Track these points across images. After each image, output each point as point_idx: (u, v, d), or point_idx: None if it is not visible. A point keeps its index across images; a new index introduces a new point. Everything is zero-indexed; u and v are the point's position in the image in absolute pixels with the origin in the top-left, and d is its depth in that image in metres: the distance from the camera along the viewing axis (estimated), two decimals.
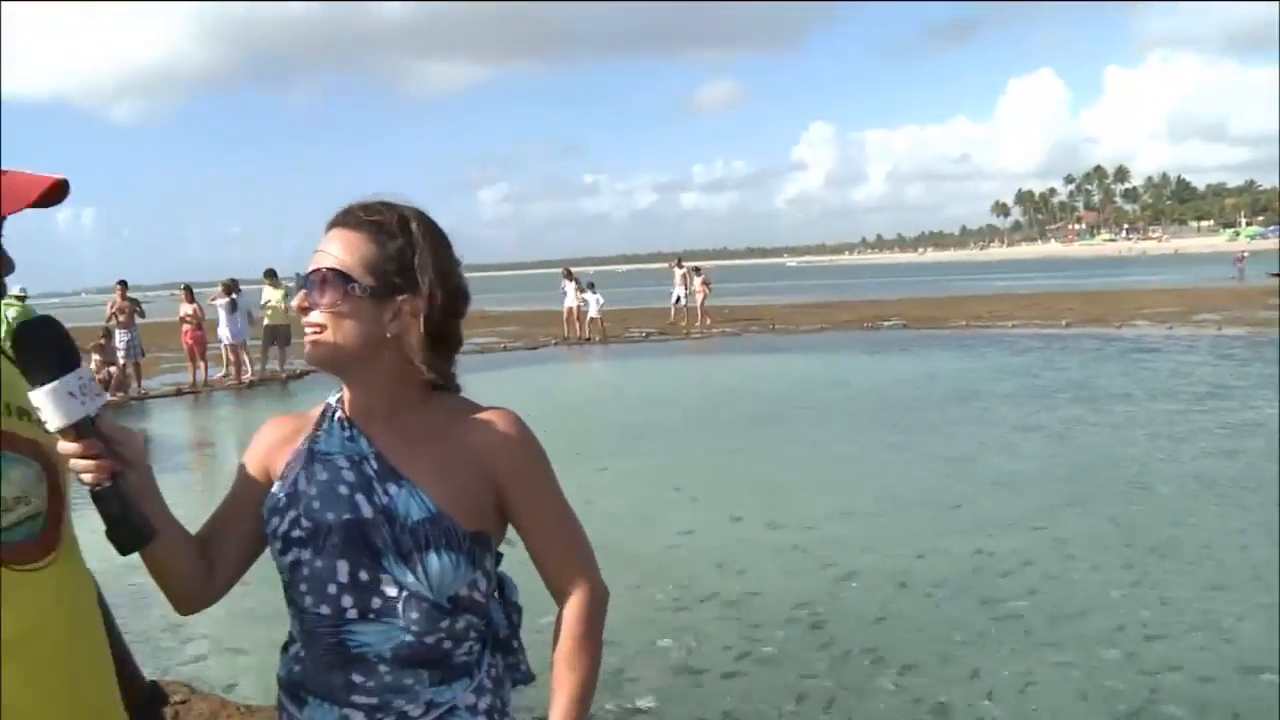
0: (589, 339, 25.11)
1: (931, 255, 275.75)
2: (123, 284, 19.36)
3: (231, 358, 19.45)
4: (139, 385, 18.32)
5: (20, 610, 1.36)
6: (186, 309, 19.23)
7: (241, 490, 1.77)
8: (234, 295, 19.50)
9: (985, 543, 6.80)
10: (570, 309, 26.06)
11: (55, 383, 1.43)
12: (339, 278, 1.62)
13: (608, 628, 1.75)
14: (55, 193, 1.38)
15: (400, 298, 1.63)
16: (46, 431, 1.49)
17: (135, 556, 1.56)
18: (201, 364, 19.16)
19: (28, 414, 1.47)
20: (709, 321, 27.28)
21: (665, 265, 31.68)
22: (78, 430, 1.46)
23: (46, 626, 1.39)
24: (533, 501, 1.70)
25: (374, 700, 1.62)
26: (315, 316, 1.63)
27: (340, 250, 1.63)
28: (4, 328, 15.31)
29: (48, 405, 1.43)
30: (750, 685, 4.78)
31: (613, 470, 9.62)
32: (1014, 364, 16.96)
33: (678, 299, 28.47)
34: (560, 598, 1.72)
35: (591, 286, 26.10)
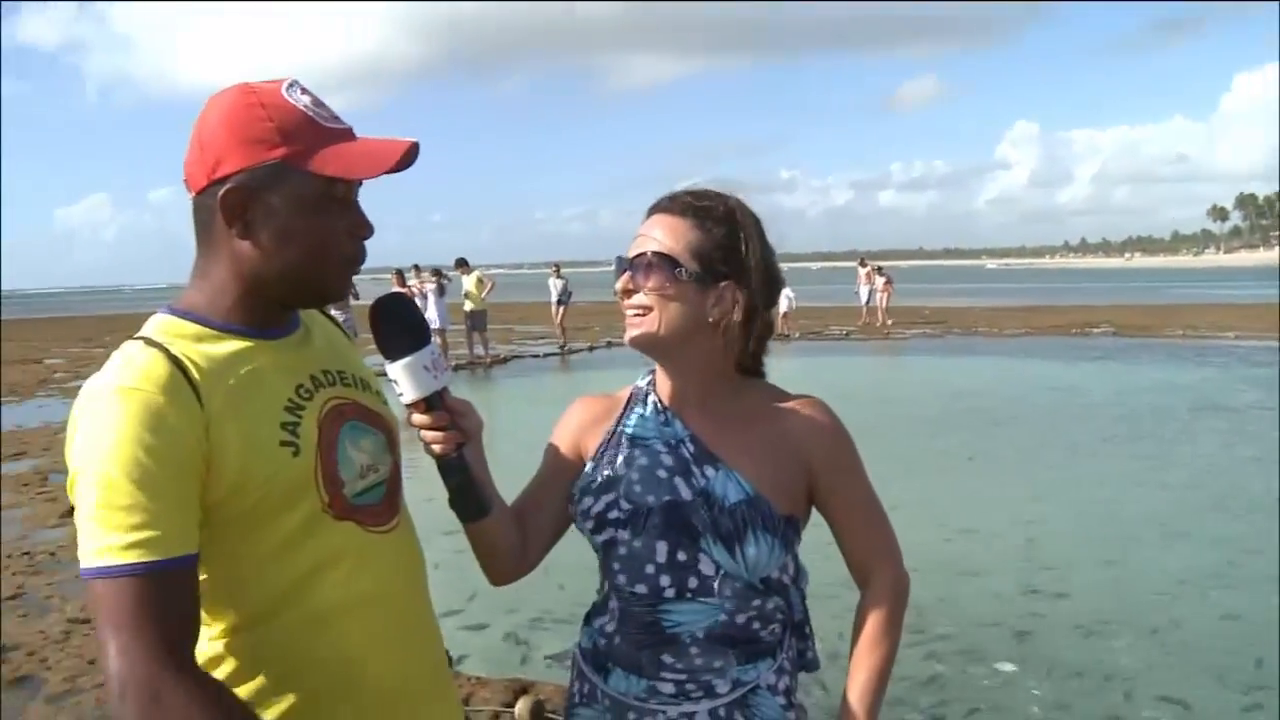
0: (786, 335, 24.77)
1: (1139, 260, 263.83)
2: None
3: (439, 341, 19.94)
4: None
5: (377, 568, 1.46)
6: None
7: (552, 468, 1.82)
8: (442, 281, 20.02)
9: (1236, 556, 6.34)
10: None
11: (411, 357, 1.50)
12: (666, 262, 1.65)
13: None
14: (408, 156, 1.42)
15: (723, 284, 1.67)
16: (383, 403, 1.57)
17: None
18: None
19: (368, 385, 1.56)
20: (890, 321, 26.68)
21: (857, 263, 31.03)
22: (429, 403, 1.52)
23: (395, 585, 1.50)
24: (845, 489, 1.74)
25: (682, 677, 1.67)
26: (639, 299, 1.67)
27: (666, 235, 1.67)
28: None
29: (404, 378, 1.50)
30: (962, 697, 4.56)
31: None
32: (1254, 376, 15.69)
33: (865, 298, 27.90)
34: (864, 583, 1.77)
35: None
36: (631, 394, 1.83)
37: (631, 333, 1.69)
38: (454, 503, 1.59)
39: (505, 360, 20.05)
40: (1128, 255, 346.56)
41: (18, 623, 5.63)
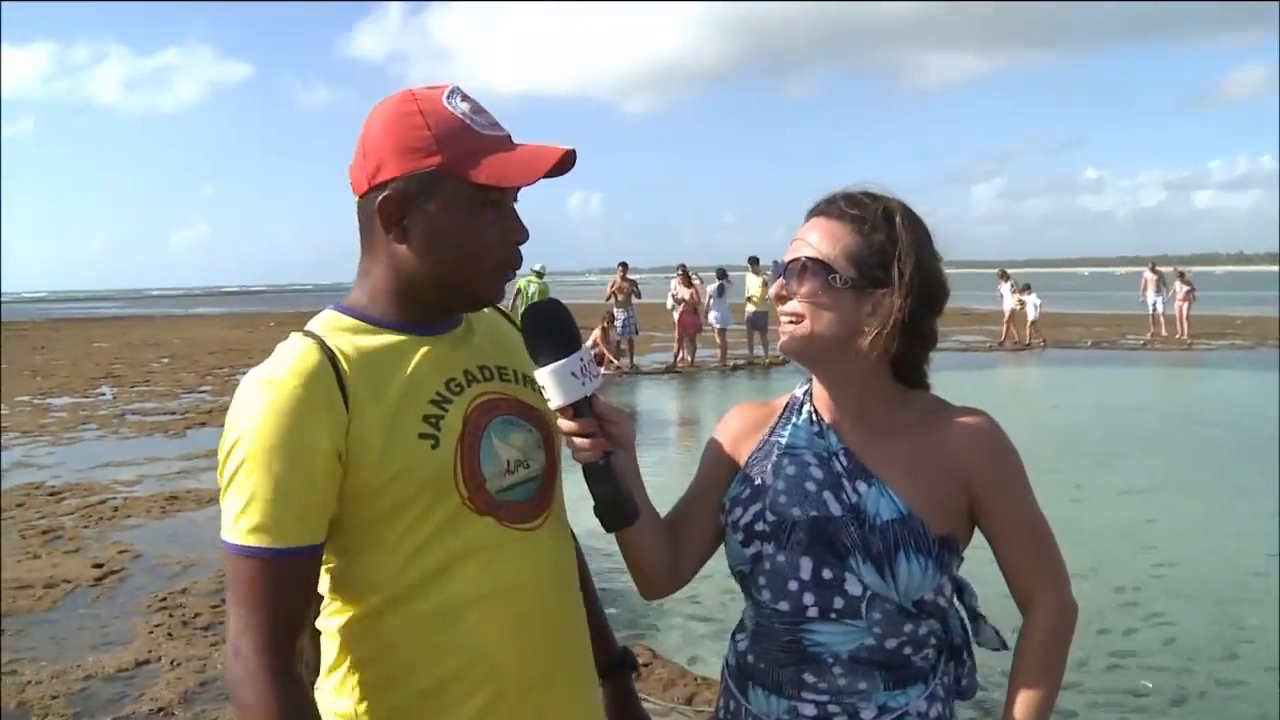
0: (1029, 344, 23.75)
1: None
2: (624, 265, 20.62)
3: (718, 341, 20.47)
4: (631, 362, 19.69)
5: (513, 564, 1.48)
6: (684, 292, 20.15)
7: (707, 478, 1.78)
8: (725, 281, 20.56)
9: None
10: (1010, 312, 24.82)
11: (558, 363, 1.50)
12: (820, 268, 1.59)
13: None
14: (564, 163, 1.44)
15: (880, 291, 1.59)
16: (546, 400, 1.57)
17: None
18: (691, 344, 20.13)
19: (532, 381, 1.55)
20: (1187, 334, 24.67)
21: (1170, 269, 28.91)
22: (575, 409, 1.51)
23: (532, 581, 1.50)
24: (1008, 509, 1.62)
25: (825, 699, 1.61)
26: (793, 306, 1.61)
27: (821, 240, 1.61)
28: (523, 299, 17.08)
29: (550, 384, 1.50)
30: None
31: (1091, 485, 9.02)
32: None
33: (1153, 307, 26.00)
34: (1027, 609, 1.65)
35: (1028, 288, 24.70)
36: (788, 403, 1.75)
37: (783, 339, 1.63)
38: (597, 510, 1.57)
39: (785, 361, 20.10)
40: None
41: None
